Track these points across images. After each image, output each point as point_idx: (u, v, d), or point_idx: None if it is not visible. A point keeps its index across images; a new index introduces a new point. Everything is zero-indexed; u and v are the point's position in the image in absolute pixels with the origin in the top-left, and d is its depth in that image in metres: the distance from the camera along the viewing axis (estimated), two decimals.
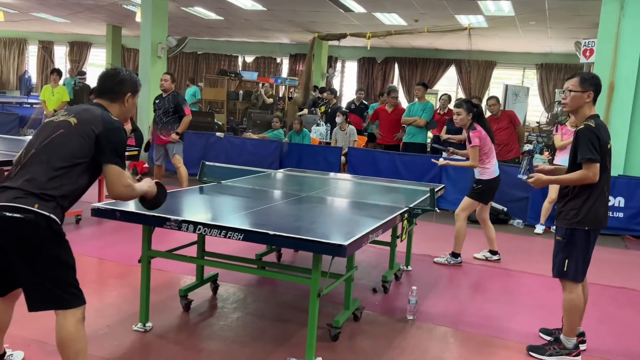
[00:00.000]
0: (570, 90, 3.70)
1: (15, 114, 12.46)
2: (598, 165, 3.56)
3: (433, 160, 6.70)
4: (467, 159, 5.87)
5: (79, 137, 2.68)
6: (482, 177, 5.75)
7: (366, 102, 11.82)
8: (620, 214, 7.68)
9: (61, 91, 10.67)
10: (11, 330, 3.07)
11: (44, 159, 2.63)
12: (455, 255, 5.90)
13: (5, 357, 3.10)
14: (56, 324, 2.68)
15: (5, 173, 2.86)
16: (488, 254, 6.13)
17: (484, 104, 13.87)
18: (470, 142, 5.63)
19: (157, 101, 7.84)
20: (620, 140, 7.64)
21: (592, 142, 3.54)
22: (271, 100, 14.53)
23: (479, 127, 5.67)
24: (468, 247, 6.08)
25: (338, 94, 18.35)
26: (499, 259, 6.09)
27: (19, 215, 2.53)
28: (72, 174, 2.67)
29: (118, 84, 2.92)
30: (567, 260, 3.68)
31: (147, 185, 3.08)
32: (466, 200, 5.85)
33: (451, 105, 10.85)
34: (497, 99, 8.88)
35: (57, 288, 2.65)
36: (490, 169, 5.74)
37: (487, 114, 9.00)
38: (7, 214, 2.53)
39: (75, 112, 2.78)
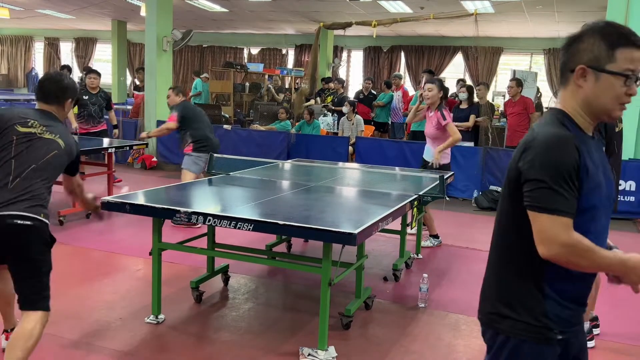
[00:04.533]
0: None
1: None
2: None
3: (429, 165, 5.96)
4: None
5: (66, 158, 3.05)
6: (442, 161, 5.71)
7: (374, 92, 11.78)
8: (632, 198, 7.62)
9: None
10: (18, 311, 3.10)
11: (42, 175, 2.92)
12: (435, 236, 6.03)
13: None
14: (27, 321, 2.79)
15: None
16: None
17: (491, 91, 13.78)
18: (445, 119, 5.57)
19: (85, 97, 8.06)
20: (630, 124, 7.56)
21: None
22: (281, 96, 14.29)
23: (447, 108, 5.75)
24: (452, 230, 6.05)
25: (345, 84, 18.36)
26: (440, 243, 6.14)
27: (29, 223, 2.81)
28: (52, 185, 3.03)
29: (61, 89, 3.15)
30: None
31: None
32: None
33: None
34: (518, 81, 8.73)
35: (44, 290, 2.88)
36: (448, 154, 5.79)
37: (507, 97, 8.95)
38: (19, 222, 2.79)
39: (58, 134, 3.04)
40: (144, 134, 7.34)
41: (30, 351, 2.78)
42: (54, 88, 3.15)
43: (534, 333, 1.67)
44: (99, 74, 8.32)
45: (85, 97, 8.05)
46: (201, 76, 14.79)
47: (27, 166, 2.90)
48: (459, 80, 10.87)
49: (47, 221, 2.90)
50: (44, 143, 2.98)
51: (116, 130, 8.50)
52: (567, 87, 1.71)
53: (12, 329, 3.18)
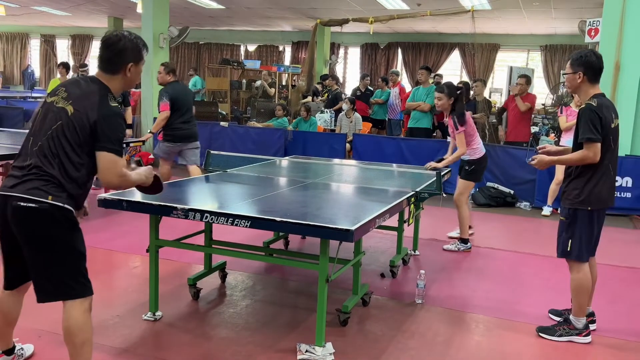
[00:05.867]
0: (564, 73, 3.74)
1: (19, 108, 12.47)
2: (599, 144, 3.52)
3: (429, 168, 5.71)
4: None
5: (74, 131, 2.64)
6: (473, 157, 5.71)
7: (371, 88, 11.78)
8: (628, 194, 7.64)
9: None
10: (22, 322, 3.09)
11: (49, 153, 2.64)
12: (464, 241, 5.86)
13: (16, 351, 3.12)
14: (63, 313, 2.70)
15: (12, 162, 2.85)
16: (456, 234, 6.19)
17: (488, 87, 13.76)
18: (456, 129, 5.55)
19: None
20: (626, 120, 7.58)
21: (592, 121, 3.51)
22: (273, 90, 14.48)
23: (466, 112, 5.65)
24: (450, 227, 6.05)
25: (341, 81, 18.35)
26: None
27: (33, 205, 2.57)
28: (78, 167, 2.68)
29: (118, 54, 2.76)
30: (570, 240, 3.67)
31: (144, 175, 2.99)
32: (462, 183, 5.81)
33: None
34: (528, 79, 8.68)
35: (68, 277, 2.68)
36: (478, 148, 5.73)
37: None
38: (22, 204, 2.58)
39: (74, 98, 2.70)
40: (148, 135, 7.07)
41: (82, 344, 2.68)
42: (107, 53, 2.76)
43: None
44: (163, 66, 7.36)
45: None
46: (188, 73, 14.87)
47: (36, 143, 2.66)
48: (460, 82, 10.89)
49: (59, 204, 2.59)
50: (54, 114, 2.68)
51: (129, 131, 7.84)
52: None
53: (6, 351, 3.07)
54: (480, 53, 16.88)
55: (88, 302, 2.73)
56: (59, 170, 2.63)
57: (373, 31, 12.60)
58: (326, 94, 12.49)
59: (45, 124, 2.69)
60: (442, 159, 5.70)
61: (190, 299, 4.18)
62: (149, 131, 7.03)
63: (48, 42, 22.06)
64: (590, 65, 3.61)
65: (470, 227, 6.09)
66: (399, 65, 18.35)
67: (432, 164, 5.56)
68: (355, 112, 10.28)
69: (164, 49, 10.82)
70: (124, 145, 7.34)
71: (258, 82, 14.56)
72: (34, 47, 22.71)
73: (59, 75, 10.90)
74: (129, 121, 8.03)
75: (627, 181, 7.63)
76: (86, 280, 2.74)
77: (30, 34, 22.41)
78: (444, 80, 11.88)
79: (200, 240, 4.34)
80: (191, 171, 6.76)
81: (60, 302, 2.74)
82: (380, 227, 4.16)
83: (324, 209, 3.79)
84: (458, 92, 5.63)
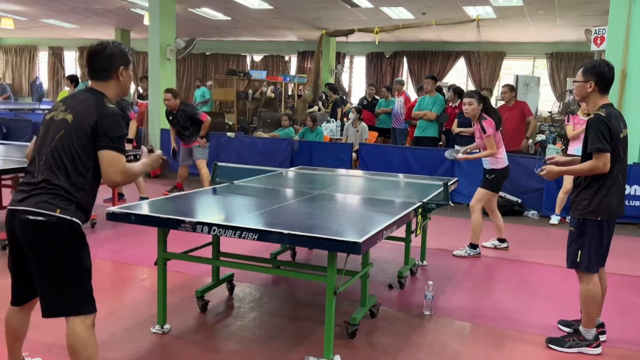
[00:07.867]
0: (575, 81, 3.73)
1: (28, 121, 12.52)
2: (608, 154, 3.51)
3: (447, 156, 6.29)
4: (479, 150, 5.87)
5: (77, 136, 2.67)
6: (496, 166, 5.78)
7: (378, 97, 11.80)
8: (637, 203, 7.59)
9: None
10: (32, 336, 3.10)
11: (55, 164, 2.67)
12: (473, 246, 5.91)
13: None
14: (67, 329, 2.71)
15: (21, 178, 2.86)
16: (496, 242, 6.20)
17: (495, 95, 13.77)
18: (485, 132, 5.64)
19: (170, 118, 8.16)
20: (634, 128, 7.49)
21: (602, 132, 3.50)
22: (272, 94, 14.76)
23: (489, 117, 5.69)
24: (457, 237, 6.06)
25: (347, 90, 18.41)
26: (507, 247, 6.16)
27: (41, 219, 2.59)
28: (84, 173, 2.70)
29: (107, 60, 2.81)
30: (579, 251, 3.65)
31: (150, 164, 2.99)
32: (480, 192, 5.86)
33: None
34: (510, 87, 8.77)
35: (72, 291, 2.68)
36: (502, 158, 5.78)
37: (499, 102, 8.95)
38: (30, 217, 2.60)
39: (72, 107, 2.74)
40: (202, 141, 8.06)
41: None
42: (97, 62, 2.81)
43: None
44: (171, 92, 8.02)
45: (170, 117, 8.18)
46: (207, 84, 14.90)
47: (41, 159, 2.69)
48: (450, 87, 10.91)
49: (67, 217, 2.62)
50: (55, 126, 2.71)
51: (200, 138, 8.10)
52: None
53: None
54: (485, 61, 16.90)
55: (91, 319, 2.73)
56: (65, 179, 2.65)
57: (378, 40, 12.64)
58: (331, 104, 12.55)
59: (48, 137, 2.73)
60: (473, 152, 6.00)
61: (198, 312, 4.19)
62: (200, 136, 8.08)
63: (56, 54, 22.26)
64: (602, 75, 3.61)
65: (505, 240, 6.21)
66: (405, 74, 18.39)
67: (461, 155, 5.89)
68: (362, 122, 10.29)
69: (170, 61, 10.89)
70: (132, 157, 7.20)
71: (264, 88, 14.81)
72: (42, 59, 22.92)
73: (66, 88, 10.98)
74: (131, 135, 7.86)
75: (635, 190, 7.59)
76: (90, 297, 2.74)
77: (38, 46, 22.63)
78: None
79: (207, 252, 4.35)
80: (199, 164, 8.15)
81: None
82: (388, 237, 4.15)
83: (331, 221, 3.79)
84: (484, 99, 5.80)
